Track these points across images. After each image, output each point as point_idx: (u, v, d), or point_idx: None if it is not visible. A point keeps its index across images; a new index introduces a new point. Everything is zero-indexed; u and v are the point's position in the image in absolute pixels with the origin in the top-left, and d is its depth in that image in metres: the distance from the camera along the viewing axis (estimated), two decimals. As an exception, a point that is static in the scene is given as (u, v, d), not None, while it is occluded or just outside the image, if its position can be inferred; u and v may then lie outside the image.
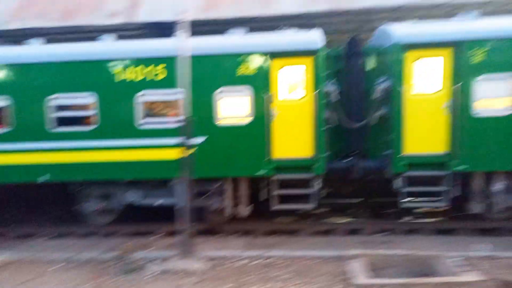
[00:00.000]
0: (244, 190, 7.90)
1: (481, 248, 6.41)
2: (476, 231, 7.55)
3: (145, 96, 7.53)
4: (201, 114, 7.37)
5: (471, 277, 5.21)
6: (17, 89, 7.68)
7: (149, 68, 7.49)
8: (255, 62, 7.34)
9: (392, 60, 7.27)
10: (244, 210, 7.97)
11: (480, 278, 5.18)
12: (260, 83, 7.35)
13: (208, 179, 7.73)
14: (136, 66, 7.50)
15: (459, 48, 7.07)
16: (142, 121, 7.58)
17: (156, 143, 7.60)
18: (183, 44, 6.16)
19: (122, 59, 7.53)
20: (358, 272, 5.53)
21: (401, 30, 7.37)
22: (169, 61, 7.34)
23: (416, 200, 7.50)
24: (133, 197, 8.04)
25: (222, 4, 9.55)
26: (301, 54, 7.37)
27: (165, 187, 7.93)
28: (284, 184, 7.66)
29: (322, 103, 7.35)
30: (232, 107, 7.50)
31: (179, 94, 6.84)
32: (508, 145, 7.08)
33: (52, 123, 7.67)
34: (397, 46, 7.19)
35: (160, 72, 7.49)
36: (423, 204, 7.64)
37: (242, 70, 7.38)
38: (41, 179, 7.76)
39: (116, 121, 7.62)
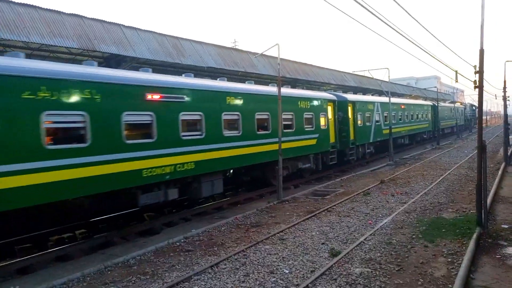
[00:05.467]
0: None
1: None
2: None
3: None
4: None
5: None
6: None
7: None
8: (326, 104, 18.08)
9: (343, 106, 20.23)
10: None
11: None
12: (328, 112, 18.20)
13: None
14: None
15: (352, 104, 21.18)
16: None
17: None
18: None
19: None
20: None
21: (348, 96, 20.65)
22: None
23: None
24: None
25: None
26: (330, 101, 18.82)
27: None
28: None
29: (338, 120, 19.14)
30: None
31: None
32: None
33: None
34: (347, 102, 20.32)
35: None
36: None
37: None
38: None
39: None
